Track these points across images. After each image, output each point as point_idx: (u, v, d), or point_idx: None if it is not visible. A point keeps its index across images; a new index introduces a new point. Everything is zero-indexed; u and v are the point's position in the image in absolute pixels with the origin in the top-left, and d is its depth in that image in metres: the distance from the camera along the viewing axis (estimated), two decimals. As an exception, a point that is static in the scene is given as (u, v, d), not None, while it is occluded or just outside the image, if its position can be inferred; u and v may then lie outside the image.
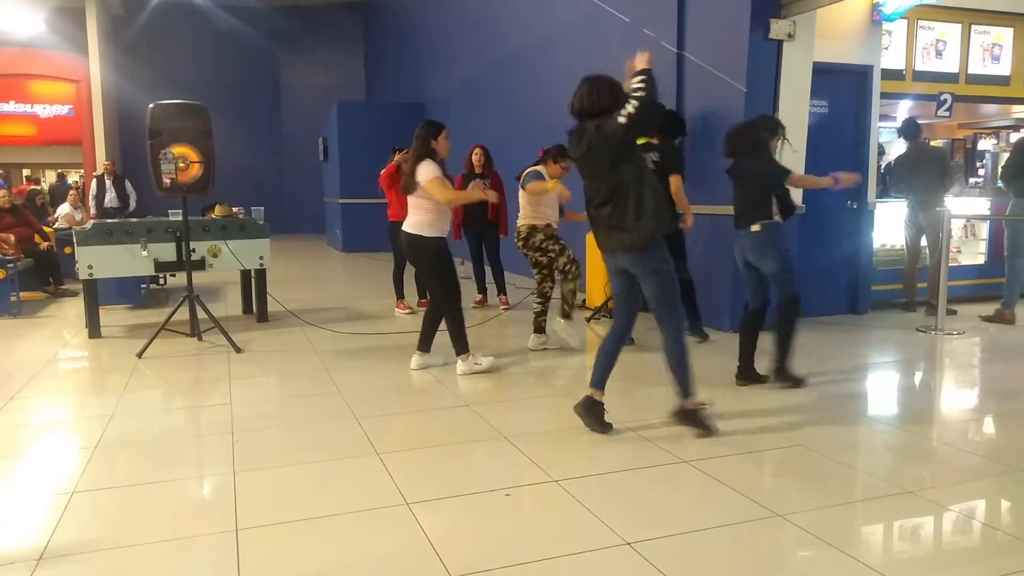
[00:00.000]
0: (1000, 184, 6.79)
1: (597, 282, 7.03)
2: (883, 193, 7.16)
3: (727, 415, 3.93)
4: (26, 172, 19.56)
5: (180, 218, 5.98)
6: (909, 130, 6.92)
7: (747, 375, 4.49)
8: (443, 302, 4.84)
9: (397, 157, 7.15)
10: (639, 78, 3.41)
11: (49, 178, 19.03)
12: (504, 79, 10.60)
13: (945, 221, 6.12)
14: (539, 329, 5.64)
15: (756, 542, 2.62)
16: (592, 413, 3.68)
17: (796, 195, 6.03)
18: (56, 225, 10.17)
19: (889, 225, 7.13)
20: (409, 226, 4.80)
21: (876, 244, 6.94)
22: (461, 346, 4.84)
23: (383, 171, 7.07)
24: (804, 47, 5.89)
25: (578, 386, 4.70)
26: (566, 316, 5.53)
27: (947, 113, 7.11)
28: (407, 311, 7.20)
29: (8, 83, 15.88)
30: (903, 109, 7.75)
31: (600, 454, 3.44)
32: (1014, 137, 7.71)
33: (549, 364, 5.23)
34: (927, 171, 6.73)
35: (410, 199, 4.77)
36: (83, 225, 7.78)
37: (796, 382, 4.42)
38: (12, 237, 8.01)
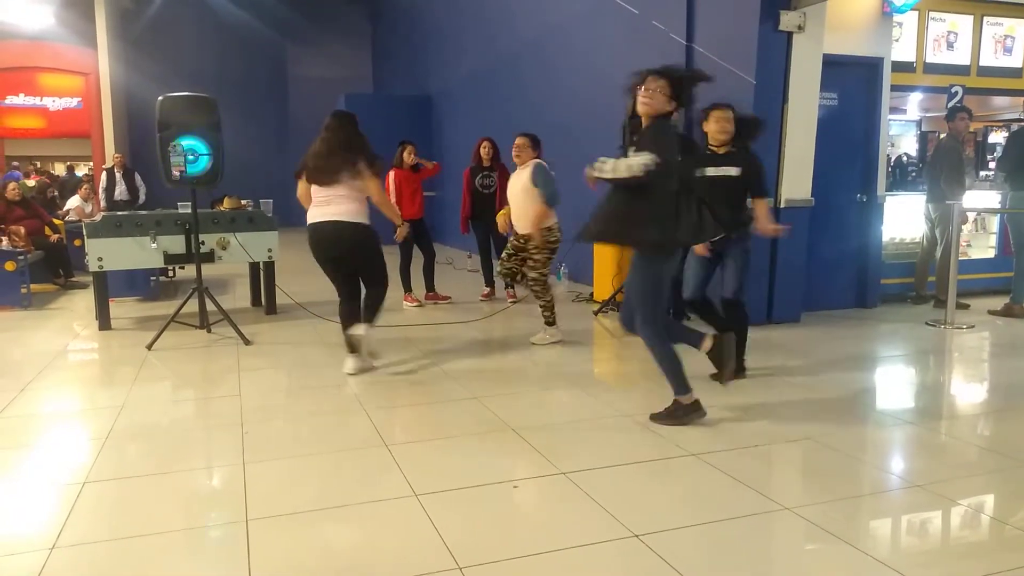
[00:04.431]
0: (1002, 174, 6.74)
1: (604, 276, 7.02)
2: (892, 186, 7.12)
3: (735, 409, 3.93)
4: (37, 164, 19.59)
5: (189, 210, 6.00)
6: (948, 115, 6.80)
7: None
8: (380, 286, 4.85)
9: (406, 153, 7.09)
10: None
11: (59, 170, 19.09)
12: (512, 71, 10.57)
13: (955, 215, 6.09)
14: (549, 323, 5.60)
15: (764, 535, 2.63)
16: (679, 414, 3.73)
17: (805, 185, 6.04)
18: (66, 218, 10.22)
19: (899, 218, 7.09)
20: (349, 215, 4.57)
21: (886, 237, 6.91)
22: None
23: (391, 173, 6.97)
24: (814, 39, 5.85)
25: (586, 378, 4.71)
26: (549, 323, 5.52)
27: (958, 105, 7.05)
28: (415, 304, 7.21)
29: (17, 76, 15.90)
30: (913, 102, 7.70)
31: (608, 447, 3.45)
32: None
33: (556, 357, 5.23)
34: (940, 164, 6.68)
35: (338, 189, 4.59)
36: (93, 217, 7.82)
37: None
38: (22, 229, 8.05)
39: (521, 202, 5.40)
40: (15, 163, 16.18)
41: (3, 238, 7.75)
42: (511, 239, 5.62)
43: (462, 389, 4.42)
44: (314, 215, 4.66)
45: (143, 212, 7.15)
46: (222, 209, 6.98)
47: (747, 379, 4.49)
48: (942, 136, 7.04)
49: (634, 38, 7.28)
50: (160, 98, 5.52)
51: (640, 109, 3.50)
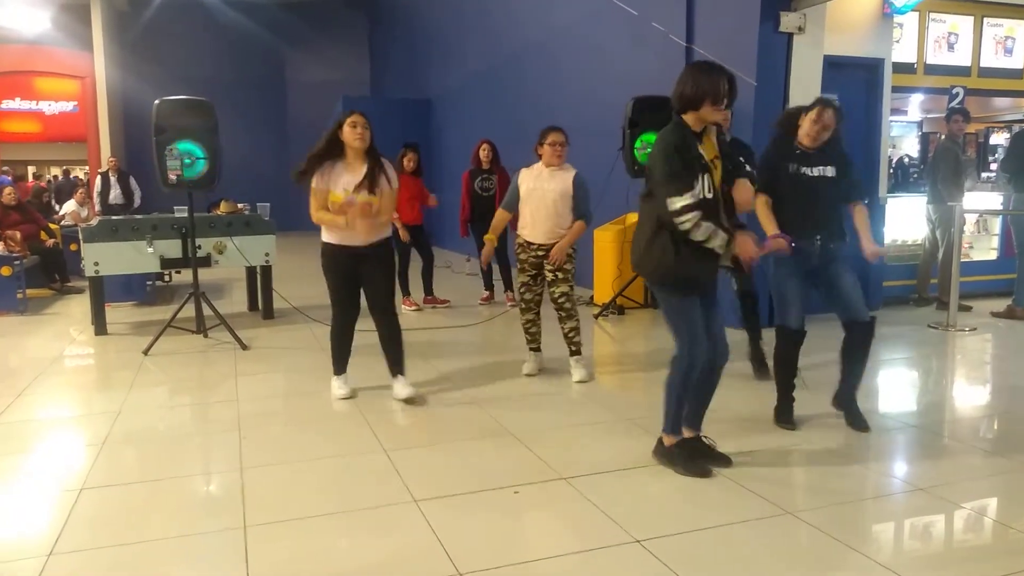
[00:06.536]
0: (1004, 176, 6.73)
1: (605, 279, 7.00)
2: (894, 188, 7.10)
3: (736, 413, 3.91)
4: (32, 169, 19.57)
5: (186, 214, 5.97)
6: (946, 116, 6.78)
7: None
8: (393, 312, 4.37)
9: (406, 160, 7.08)
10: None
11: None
12: (512, 73, 10.56)
13: (957, 216, 6.06)
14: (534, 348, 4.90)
15: (767, 539, 2.60)
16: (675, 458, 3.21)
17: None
18: (62, 222, 10.19)
19: (901, 220, 7.06)
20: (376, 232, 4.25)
21: (888, 239, 6.88)
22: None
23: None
24: (814, 40, 5.84)
25: (586, 383, 4.67)
26: (573, 353, 4.72)
27: (954, 107, 7.05)
28: (413, 308, 7.17)
29: (14, 80, 15.90)
30: (915, 103, 7.69)
31: (609, 451, 3.42)
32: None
33: (556, 363, 5.19)
34: (938, 166, 6.67)
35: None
36: (88, 222, 7.78)
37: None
38: (18, 234, 8.02)
39: (559, 211, 4.51)
40: (4, 167, 16.14)
41: (-1, 243, 7.73)
42: (524, 254, 4.64)
43: (461, 394, 4.39)
44: None
45: (139, 216, 7.12)
46: (219, 213, 6.95)
47: (749, 382, 4.46)
48: (942, 138, 7.04)
49: (634, 40, 7.27)
50: (157, 102, 5.50)
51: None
